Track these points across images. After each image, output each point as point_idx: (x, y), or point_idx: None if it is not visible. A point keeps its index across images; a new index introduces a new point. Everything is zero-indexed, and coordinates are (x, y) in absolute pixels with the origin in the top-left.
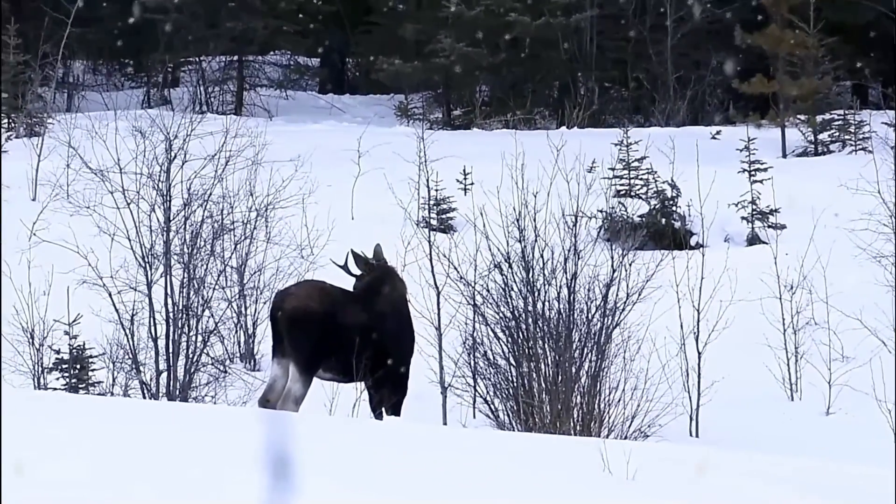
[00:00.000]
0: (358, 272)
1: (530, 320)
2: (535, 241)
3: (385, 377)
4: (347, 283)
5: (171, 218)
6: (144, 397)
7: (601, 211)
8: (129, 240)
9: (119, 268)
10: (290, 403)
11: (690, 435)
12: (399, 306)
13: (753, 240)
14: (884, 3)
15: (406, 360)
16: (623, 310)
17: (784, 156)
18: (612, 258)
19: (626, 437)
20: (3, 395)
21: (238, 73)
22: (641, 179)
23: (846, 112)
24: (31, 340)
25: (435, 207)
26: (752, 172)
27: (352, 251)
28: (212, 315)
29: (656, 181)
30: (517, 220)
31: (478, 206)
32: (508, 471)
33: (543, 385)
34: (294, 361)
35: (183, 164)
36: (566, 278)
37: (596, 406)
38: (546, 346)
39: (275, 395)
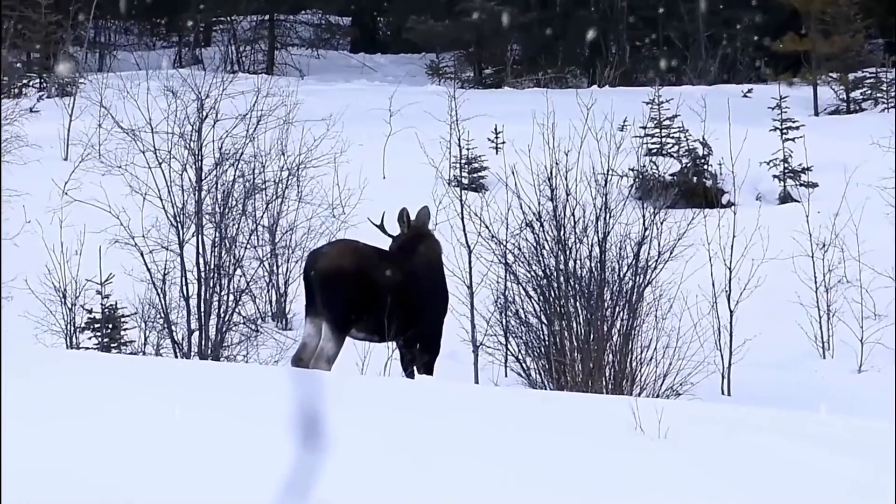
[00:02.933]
0: (394, 233)
1: (562, 279)
2: (567, 199)
3: (417, 336)
4: (380, 243)
5: (203, 177)
6: (176, 356)
7: (632, 169)
8: (161, 199)
9: (151, 227)
10: (323, 363)
11: (722, 393)
12: (433, 266)
13: (785, 198)
14: None
15: (439, 319)
16: (655, 268)
17: (816, 114)
18: (644, 217)
19: (657, 396)
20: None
21: (269, 33)
22: (673, 138)
23: (878, 70)
24: (63, 300)
25: (466, 166)
26: (784, 131)
27: (404, 210)
28: (243, 274)
29: (688, 139)
30: (548, 179)
31: (509, 164)
32: (540, 429)
33: (575, 343)
34: (326, 321)
35: (214, 123)
36: (598, 237)
37: (628, 364)
38: (578, 304)
39: (308, 354)
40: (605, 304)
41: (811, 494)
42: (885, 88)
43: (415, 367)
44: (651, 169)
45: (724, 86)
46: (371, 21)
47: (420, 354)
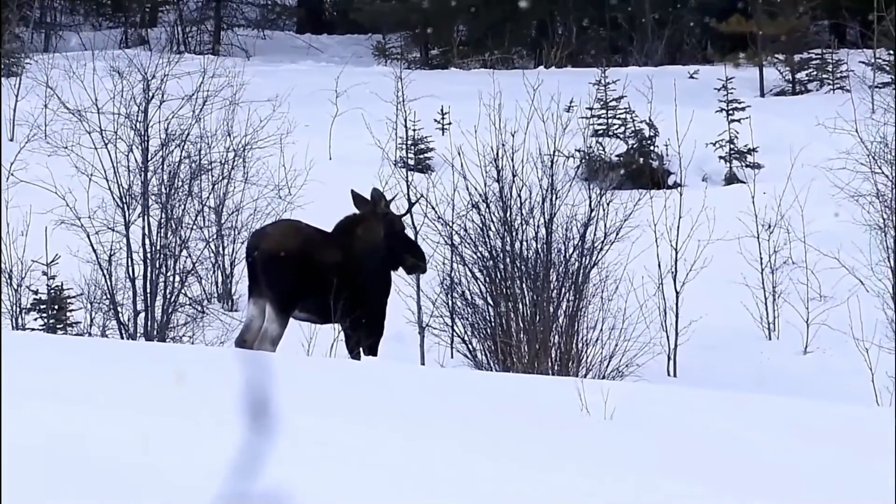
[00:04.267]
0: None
1: (508, 260)
2: (513, 180)
3: (362, 318)
4: (324, 225)
5: (149, 158)
6: (122, 337)
7: (579, 150)
8: (107, 180)
9: (97, 208)
10: (267, 344)
11: (668, 374)
12: (374, 248)
13: (731, 179)
14: None
15: (381, 301)
16: (601, 249)
17: (762, 95)
18: (590, 198)
19: (603, 377)
20: None
21: (216, 13)
22: (619, 119)
23: (824, 51)
24: (9, 281)
25: (412, 147)
26: (730, 112)
27: (352, 191)
28: (189, 255)
29: (634, 121)
30: (495, 160)
31: (455, 145)
32: (486, 410)
33: (521, 325)
34: (270, 301)
35: (161, 104)
36: (544, 218)
37: (574, 346)
38: (524, 285)
39: (251, 335)
40: (552, 286)
41: (756, 476)
42: (830, 70)
43: (360, 349)
44: (597, 150)
45: (670, 67)
46: (317, 2)
47: (365, 336)
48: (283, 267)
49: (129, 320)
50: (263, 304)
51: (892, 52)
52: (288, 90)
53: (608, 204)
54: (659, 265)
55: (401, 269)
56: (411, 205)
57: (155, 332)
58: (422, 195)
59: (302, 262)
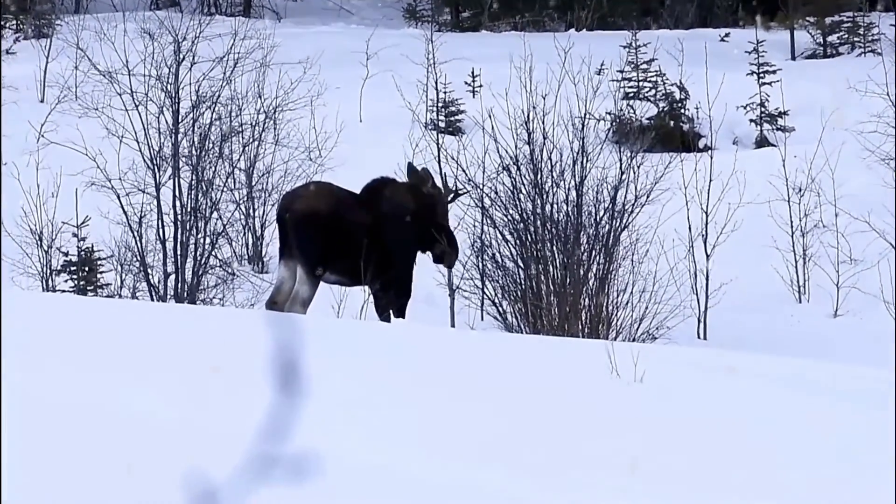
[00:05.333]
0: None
1: (538, 223)
2: (544, 143)
3: (392, 280)
4: (355, 187)
5: (180, 120)
6: (153, 299)
7: (609, 113)
8: (138, 142)
9: (127, 170)
10: (298, 306)
11: (698, 337)
12: (400, 210)
13: (762, 142)
14: None
15: (408, 262)
16: (631, 212)
17: (793, 58)
18: (621, 160)
19: (633, 340)
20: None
21: None
22: (650, 82)
23: (855, 14)
24: (39, 242)
25: (443, 110)
26: (761, 75)
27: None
28: (220, 217)
29: (665, 84)
30: (526, 123)
31: (486, 108)
32: (516, 373)
33: (551, 287)
34: (301, 263)
35: (191, 66)
36: (574, 181)
37: (604, 308)
38: (554, 248)
39: (282, 297)
40: (582, 249)
41: (788, 437)
42: (861, 33)
43: (390, 311)
44: (628, 113)
45: (701, 30)
46: None
47: (395, 298)
48: (314, 229)
49: (159, 282)
50: (294, 266)
51: None
52: (319, 52)
53: (639, 167)
54: (689, 228)
55: (430, 253)
56: (457, 194)
57: (185, 294)
58: (468, 188)
59: (333, 224)
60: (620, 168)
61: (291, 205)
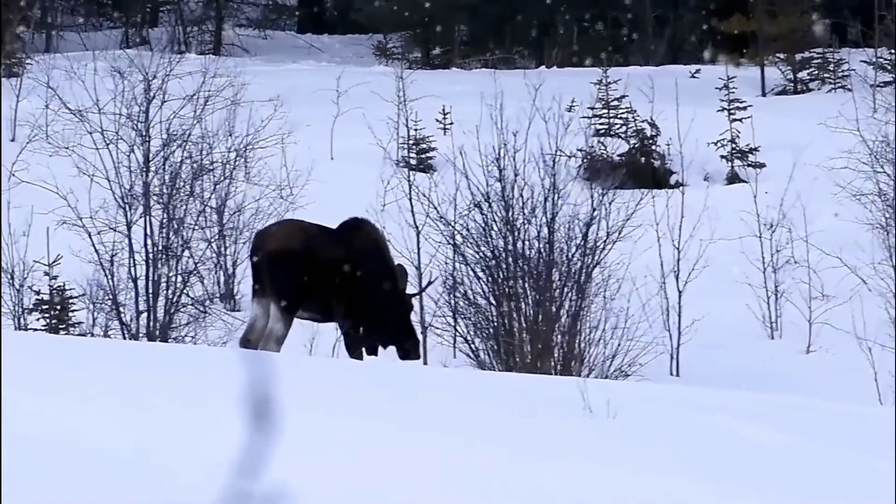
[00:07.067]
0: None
1: (510, 259)
2: (515, 180)
3: (365, 317)
4: (327, 223)
5: (151, 158)
6: (125, 338)
7: (580, 150)
8: (109, 180)
9: (99, 208)
10: (272, 343)
11: (671, 374)
12: (375, 246)
13: (733, 178)
14: None
15: (387, 299)
16: (603, 249)
17: (763, 94)
18: (592, 197)
19: (606, 377)
20: None
21: (217, 13)
22: (621, 119)
23: (825, 50)
24: (11, 281)
25: (414, 147)
26: (732, 111)
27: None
28: (191, 255)
29: (636, 120)
30: (497, 160)
31: (457, 145)
32: (489, 410)
33: (524, 324)
34: (275, 301)
35: (162, 104)
36: (546, 217)
37: (576, 345)
38: (526, 285)
39: (255, 335)
40: (554, 285)
41: (759, 474)
42: (831, 69)
43: (363, 349)
44: (599, 150)
45: (671, 66)
46: (318, 2)
47: (366, 336)
48: (288, 267)
49: (131, 320)
50: (267, 304)
51: (893, 51)
52: (289, 90)
53: (610, 203)
54: (661, 265)
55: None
56: (422, 288)
57: (157, 333)
58: (434, 279)
59: (306, 261)
60: (592, 205)
61: (264, 243)
